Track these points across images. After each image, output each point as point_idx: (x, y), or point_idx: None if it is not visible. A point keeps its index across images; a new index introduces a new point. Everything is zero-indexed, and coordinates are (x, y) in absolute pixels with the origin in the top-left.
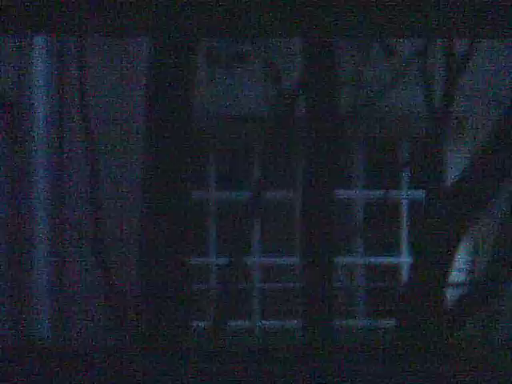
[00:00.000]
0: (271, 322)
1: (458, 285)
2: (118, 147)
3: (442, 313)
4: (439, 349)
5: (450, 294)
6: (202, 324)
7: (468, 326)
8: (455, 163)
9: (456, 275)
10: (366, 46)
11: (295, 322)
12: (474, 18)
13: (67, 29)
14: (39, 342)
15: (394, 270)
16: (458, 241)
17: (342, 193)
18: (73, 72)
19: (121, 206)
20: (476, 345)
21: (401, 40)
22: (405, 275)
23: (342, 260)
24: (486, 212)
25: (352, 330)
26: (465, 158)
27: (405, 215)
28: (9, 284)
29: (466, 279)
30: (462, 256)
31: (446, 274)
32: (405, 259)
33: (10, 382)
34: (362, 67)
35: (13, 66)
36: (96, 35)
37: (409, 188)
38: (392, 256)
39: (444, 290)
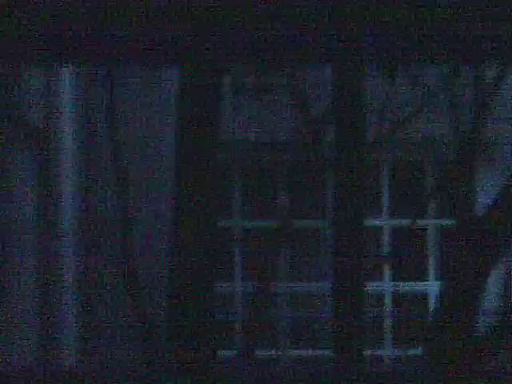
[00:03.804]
0: (300, 350)
1: (490, 312)
2: (146, 174)
3: (472, 342)
4: (470, 379)
5: (483, 322)
6: (229, 353)
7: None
8: (486, 190)
9: (488, 302)
10: (393, 73)
11: (325, 351)
12: (504, 44)
13: (96, 60)
14: (66, 369)
15: (423, 297)
16: (490, 269)
17: (370, 220)
18: (102, 101)
19: (149, 233)
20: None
21: (428, 65)
22: (433, 303)
23: (370, 288)
24: None
25: (381, 359)
26: (496, 184)
27: (433, 242)
28: (36, 309)
29: (499, 306)
30: (495, 282)
31: (476, 302)
32: (433, 287)
33: None
34: (389, 93)
35: (41, 95)
36: (124, 66)
37: (437, 215)
38: (420, 284)
39: (475, 317)
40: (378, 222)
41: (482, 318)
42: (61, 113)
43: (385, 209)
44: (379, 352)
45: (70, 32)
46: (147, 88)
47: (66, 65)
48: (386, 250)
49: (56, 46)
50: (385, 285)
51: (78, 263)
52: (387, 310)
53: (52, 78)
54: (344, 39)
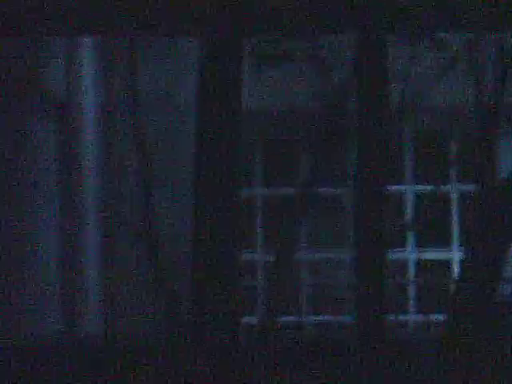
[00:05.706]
0: (322, 317)
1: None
2: (168, 145)
3: (494, 309)
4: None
5: (504, 290)
6: (252, 320)
7: None
8: (509, 156)
9: (510, 270)
10: (416, 40)
11: (347, 317)
12: None
13: (118, 30)
14: (90, 337)
15: (445, 264)
16: None
17: (392, 187)
18: (123, 73)
19: (172, 203)
20: None
21: (451, 33)
22: (456, 270)
23: (392, 255)
24: None
25: (404, 326)
26: None
27: (456, 209)
28: (59, 278)
29: None
30: None
31: (499, 270)
32: (456, 254)
33: (62, 377)
34: (412, 61)
35: (63, 67)
36: (147, 36)
37: (460, 181)
38: (443, 251)
39: (497, 285)
40: (400, 189)
41: (505, 286)
42: (84, 86)
43: (408, 175)
44: (402, 318)
45: (92, 2)
46: (168, 58)
47: (88, 36)
48: (408, 216)
49: (77, 17)
50: (408, 251)
51: (100, 234)
52: (410, 276)
53: (74, 50)
54: (367, 5)
